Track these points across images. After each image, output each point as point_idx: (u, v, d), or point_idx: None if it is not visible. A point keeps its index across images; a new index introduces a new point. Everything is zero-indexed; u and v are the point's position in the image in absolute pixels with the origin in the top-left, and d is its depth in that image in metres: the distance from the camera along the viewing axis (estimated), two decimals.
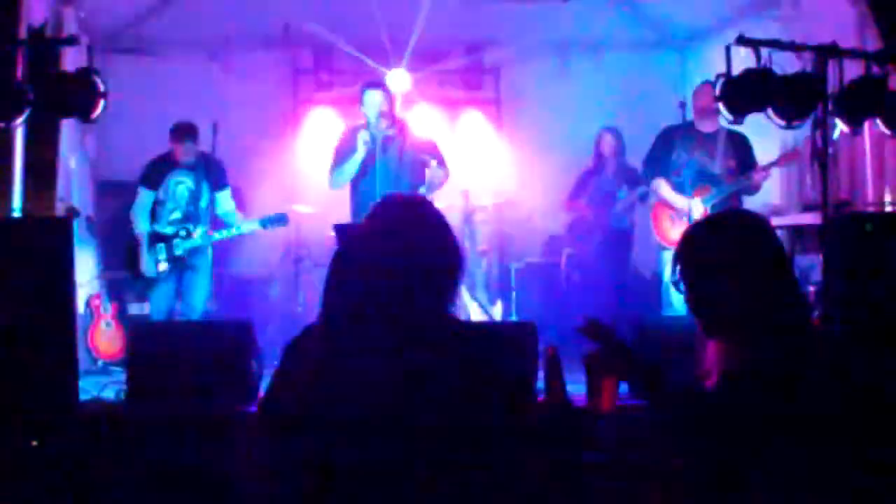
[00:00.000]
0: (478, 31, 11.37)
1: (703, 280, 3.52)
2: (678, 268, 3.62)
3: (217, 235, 9.03)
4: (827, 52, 7.07)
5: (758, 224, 3.61)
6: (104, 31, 10.73)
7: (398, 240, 3.31)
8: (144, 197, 9.06)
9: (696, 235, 3.61)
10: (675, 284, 3.65)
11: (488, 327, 8.23)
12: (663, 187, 8.90)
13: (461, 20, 10.94)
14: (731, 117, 7.44)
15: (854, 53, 7.50)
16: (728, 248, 3.49)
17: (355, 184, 8.67)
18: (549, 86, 11.62)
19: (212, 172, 9.12)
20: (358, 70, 10.85)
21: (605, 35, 11.45)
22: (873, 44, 8.15)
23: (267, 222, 9.08)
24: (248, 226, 9.10)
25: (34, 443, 6.29)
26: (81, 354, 9.41)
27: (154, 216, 9.01)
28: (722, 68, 7.44)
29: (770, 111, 7.30)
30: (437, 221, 3.39)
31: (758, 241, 3.53)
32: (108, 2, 10.23)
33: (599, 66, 11.66)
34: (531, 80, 11.82)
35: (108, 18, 10.68)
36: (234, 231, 9.07)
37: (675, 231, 8.76)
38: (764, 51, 7.26)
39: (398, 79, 10.51)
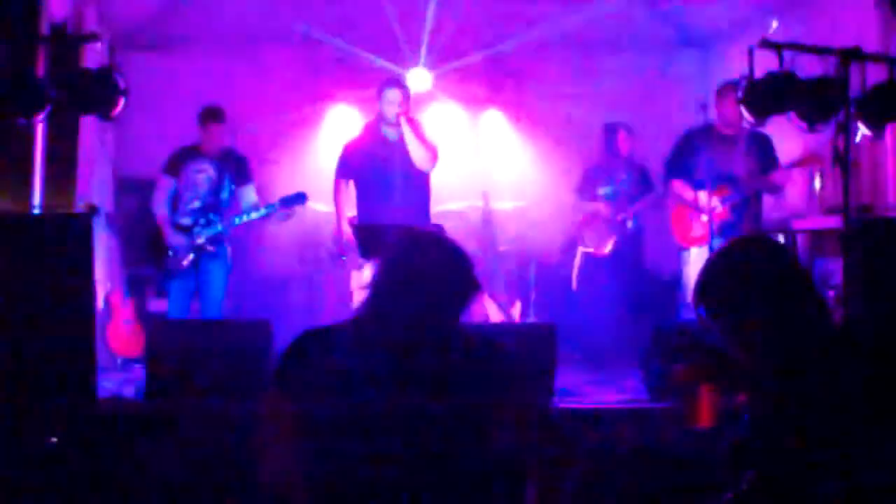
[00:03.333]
0: (499, 30, 11.31)
1: (724, 312, 3.58)
2: (700, 301, 3.67)
3: (238, 220, 8.98)
4: (850, 56, 7.03)
5: (770, 250, 3.66)
6: (124, 27, 10.72)
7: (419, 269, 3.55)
8: (164, 184, 9.09)
9: (713, 269, 3.69)
10: (699, 316, 3.70)
11: (507, 330, 8.21)
12: (681, 188, 8.91)
13: (483, 20, 10.92)
14: (752, 120, 7.41)
15: (877, 57, 7.46)
16: (744, 281, 3.58)
17: (367, 183, 8.69)
18: (570, 85, 11.59)
19: (235, 165, 9.13)
20: (379, 67, 10.82)
21: (628, 35, 11.46)
22: None
23: (286, 202, 9.04)
24: (268, 208, 9.05)
25: (53, 439, 6.29)
26: (100, 351, 9.44)
27: (173, 207, 9.04)
28: (743, 68, 7.41)
29: (792, 115, 7.28)
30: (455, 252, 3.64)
31: (771, 267, 3.58)
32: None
33: (622, 66, 11.64)
34: (553, 79, 11.78)
35: (129, 15, 10.67)
36: (254, 214, 9.01)
37: (695, 231, 8.76)
38: (786, 53, 7.24)
39: (418, 77, 10.48)
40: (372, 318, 3.54)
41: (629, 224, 10.17)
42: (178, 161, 9.11)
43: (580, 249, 10.37)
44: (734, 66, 8.14)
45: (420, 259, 3.55)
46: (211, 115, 9.04)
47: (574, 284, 10.34)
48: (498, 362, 3.55)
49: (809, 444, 3.40)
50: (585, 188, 10.39)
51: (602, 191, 10.22)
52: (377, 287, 3.59)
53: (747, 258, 3.63)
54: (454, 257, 3.60)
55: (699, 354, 3.68)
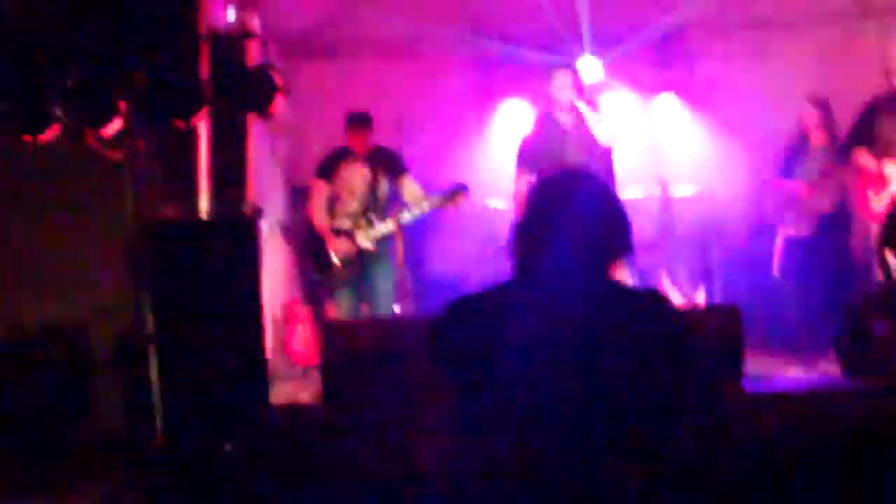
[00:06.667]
0: (671, 12, 11.01)
1: None
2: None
3: (404, 217, 8.90)
4: None
5: None
6: (293, 35, 10.75)
7: (573, 214, 3.26)
8: (320, 189, 9.09)
9: None
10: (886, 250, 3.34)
11: (690, 314, 7.93)
12: (865, 158, 8.57)
13: (653, 3, 10.66)
14: None
15: None
16: None
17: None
18: (746, 65, 11.22)
19: (388, 161, 9.07)
20: (548, 60, 10.60)
21: (804, 10, 11.08)
22: None
23: (449, 193, 8.93)
24: (432, 202, 8.95)
25: (229, 447, 6.23)
26: (279, 360, 9.43)
27: (331, 211, 8.96)
28: None
29: None
30: (603, 196, 3.37)
31: None
32: (293, 8, 10.23)
33: (798, 43, 11.22)
34: (727, 60, 11.41)
35: (296, 24, 10.72)
36: (418, 211, 8.93)
37: (878, 202, 8.36)
38: None
39: (589, 66, 10.25)
40: (519, 277, 3.32)
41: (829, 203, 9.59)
42: (331, 164, 9.13)
43: (781, 232, 9.92)
44: None
45: (565, 205, 3.26)
46: (359, 122, 9.07)
47: (776, 269, 9.92)
48: (669, 320, 3.25)
49: None
50: (785, 170, 9.90)
51: (798, 169, 9.76)
52: (520, 241, 3.35)
53: None
54: (603, 202, 3.33)
55: None
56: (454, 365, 3.31)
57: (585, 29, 10.15)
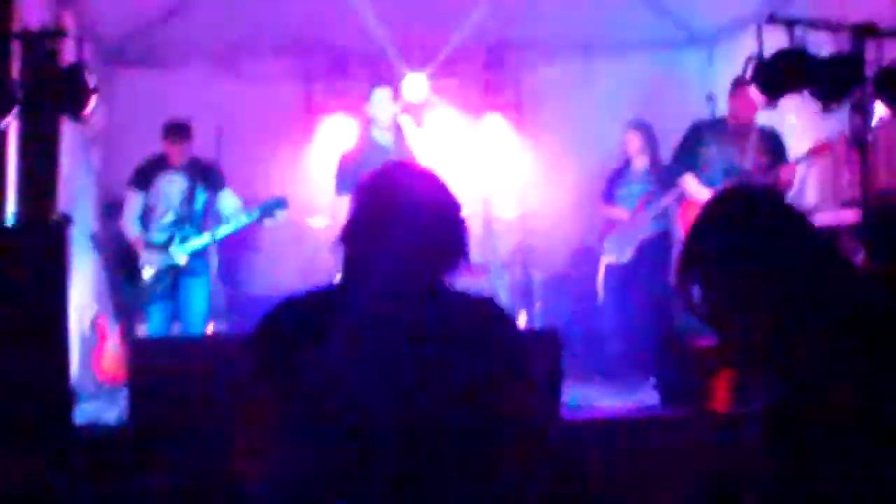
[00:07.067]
0: (498, 33, 11.01)
1: (726, 284, 2.73)
2: (690, 276, 2.85)
3: (220, 232, 8.71)
4: (864, 32, 6.74)
5: (771, 197, 2.94)
6: (110, 42, 10.44)
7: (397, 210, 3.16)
8: (134, 200, 8.81)
9: (703, 233, 2.80)
10: (681, 292, 2.88)
11: None
12: (690, 183, 8.64)
13: (481, 23, 10.62)
14: (764, 100, 7.10)
15: (893, 33, 7.13)
16: (748, 238, 2.72)
17: None
18: (572, 88, 11.29)
19: (206, 173, 8.83)
20: (374, 76, 10.48)
21: (630, 35, 11.16)
22: None
23: (267, 208, 8.76)
24: (249, 216, 8.76)
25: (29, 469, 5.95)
26: (86, 378, 9.10)
27: (145, 223, 8.70)
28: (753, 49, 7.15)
29: (806, 94, 6.96)
30: (436, 191, 3.26)
31: (778, 217, 2.83)
32: (112, 13, 9.89)
33: (624, 67, 11.32)
34: (554, 82, 11.47)
35: (114, 30, 10.39)
36: (234, 224, 8.75)
37: None
38: (797, 34, 6.95)
39: (415, 84, 10.17)
40: (347, 277, 3.19)
41: (649, 227, 9.63)
42: (147, 175, 8.87)
43: (602, 259, 9.94)
44: (741, 64, 7.83)
45: (396, 201, 3.16)
46: (177, 132, 8.82)
47: (599, 296, 9.92)
48: (505, 323, 3.22)
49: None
50: (608, 194, 9.97)
51: (619, 194, 9.80)
52: (348, 240, 3.20)
53: (749, 209, 2.84)
54: (436, 197, 3.23)
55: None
56: (276, 366, 3.11)
57: (399, 46, 10.09)
